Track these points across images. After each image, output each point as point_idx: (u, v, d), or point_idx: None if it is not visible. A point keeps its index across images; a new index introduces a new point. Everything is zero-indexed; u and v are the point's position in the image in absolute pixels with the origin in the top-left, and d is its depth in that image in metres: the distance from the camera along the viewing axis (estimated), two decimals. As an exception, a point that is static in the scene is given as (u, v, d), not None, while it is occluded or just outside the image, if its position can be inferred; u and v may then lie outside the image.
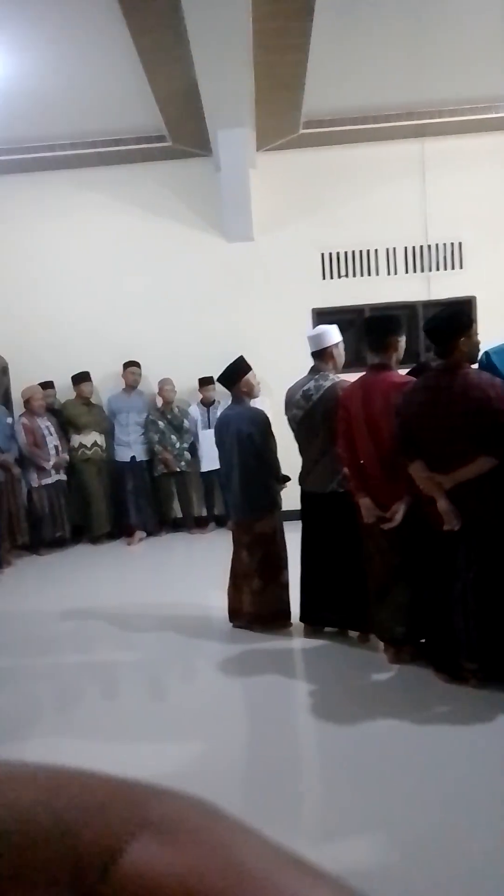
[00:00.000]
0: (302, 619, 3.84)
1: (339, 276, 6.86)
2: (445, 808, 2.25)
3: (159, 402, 6.71)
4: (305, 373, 3.82)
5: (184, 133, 6.07)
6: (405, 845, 2.08)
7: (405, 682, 3.20)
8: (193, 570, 5.53)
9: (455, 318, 3.05)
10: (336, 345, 3.72)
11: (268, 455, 3.86)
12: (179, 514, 6.82)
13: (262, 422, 3.87)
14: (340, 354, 3.76)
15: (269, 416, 6.57)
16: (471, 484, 2.90)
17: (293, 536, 3.85)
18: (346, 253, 6.83)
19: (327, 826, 2.24)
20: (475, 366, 3.13)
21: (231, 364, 3.99)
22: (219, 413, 4.86)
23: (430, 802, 2.28)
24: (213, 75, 4.72)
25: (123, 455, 6.61)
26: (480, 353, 3.17)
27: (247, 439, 3.82)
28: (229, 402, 4.13)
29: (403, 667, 3.31)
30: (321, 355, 3.72)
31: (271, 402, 6.47)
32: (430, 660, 3.23)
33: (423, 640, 3.34)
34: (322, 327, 3.79)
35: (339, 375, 3.70)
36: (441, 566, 3.06)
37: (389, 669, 3.32)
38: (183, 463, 6.64)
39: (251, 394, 4.01)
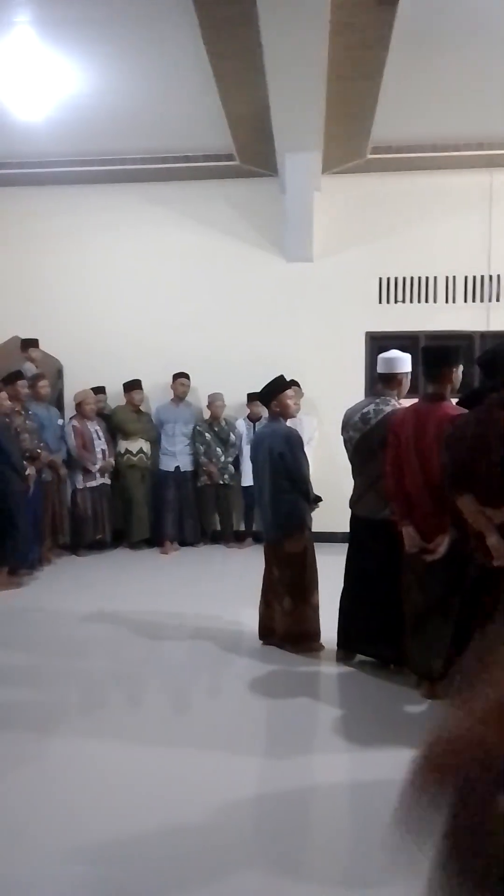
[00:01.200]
0: (338, 644, 3.80)
1: (396, 302, 6.83)
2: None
3: (207, 414, 6.78)
4: (355, 394, 3.80)
5: (252, 154, 6.17)
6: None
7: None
8: (228, 584, 5.54)
9: None
10: (406, 374, 3.69)
11: (298, 475, 3.84)
12: (219, 527, 6.86)
13: (293, 441, 3.85)
14: (407, 384, 3.72)
15: (315, 435, 6.53)
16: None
17: (338, 559, 3.81)
18: (404, 278, 6.81)
19: (342, 857, 2.20)
20: None
21: (270, 382, 4.00)
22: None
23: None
24: (285, 101, 4.80)
25: (168, 464, 6.69)
26: None
27: (278, 458, 3.82)
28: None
29: (439, 703, 3.25)
30: (388, 379, 3.68)
31: (318, 422, 6.49)
32: (464, 698, 3.15)
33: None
34: (396, 352, 3.72)
35: (400, 402, 3.66)
36: (482, 603, 2.99)
37: (422, 704, 3.26)
38: (226, 476, 6.68)
39: (285, 413, 3.97)
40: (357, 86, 4.84)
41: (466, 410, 3.29)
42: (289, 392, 3.97)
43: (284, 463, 3.81)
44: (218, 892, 2.01)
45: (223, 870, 2.11)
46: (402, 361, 3.67)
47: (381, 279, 6.83)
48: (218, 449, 6.66)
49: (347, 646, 3.78)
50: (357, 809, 2.49)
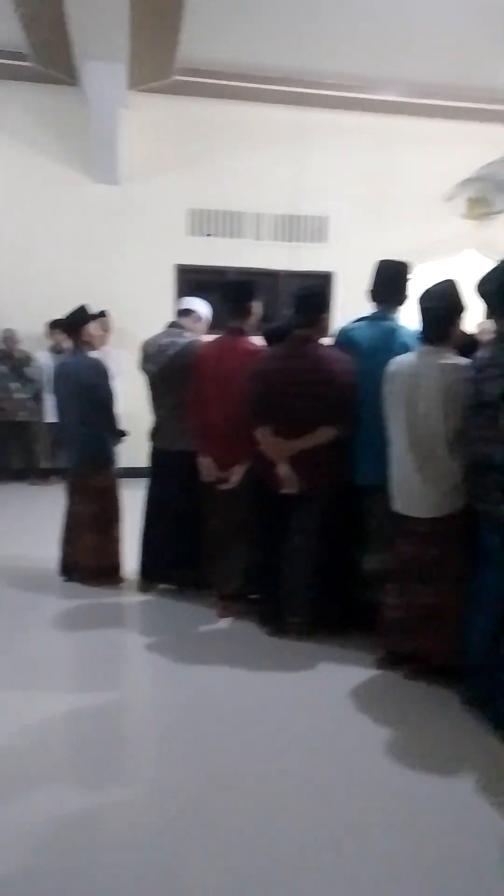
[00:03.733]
0: (141, 574, 3.86)
1: (205, 235, 6.78)
2: (263, 750, 2.40)
3: (1, 346, 6.30)
4: (164, 325, 3.77)
5: (49, 56, 5.61)
6: (227, 785, 2.20)
7: (233, 634, 3.33)
8: (29, 523, 5.33)
9: (323, 293, 3.14)
10: (205, 316, 3.77)
11: (107, 408, 3.76)
12: (21, 465, 6.52)
13: (101, 372, 3.75)
14: (203, 328, 3.78)
15: (124, 367, 6.38)
16: (312, 452, 3.05)
17: (137, 492, 3.83)
18: (214, 212, 6.76)
19: (151, 764, 2.31)
20: (329, 340, 3.25)
21: (73, 310, 3.83)
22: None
23: (248, 744, 2.42)
24: (84, 1, 4.40)
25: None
26: (335, 329, 3.29)
27: (86, 391, 3.70)
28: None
29: (233, 621, 3.45)
30: (187, 314, 3.73)
31: (127, 354, 6.33)
32: (257, 614, 3.39)
33: (254, 596, 3.49)
34: (197, 300, 3.82)
35: (197, 336, 3.70)
36: (277, 527, 3.20)
37: (219, 623, 3.45)
38: (24, 412, 6.32)
39: (92, 344, 3.87)
40: (163, -5, 4.58)
41: (267, 345, 3.42)
42: (94, 323, 3.83)
43: (95, 395, 3.69)
44: (34, 807, 2.06)
45: (37, 788, 2.15)
46: (203, 305, 3.79)
47: (190, 210, 6.72)
48: (13, 384, 6.25)
49: (149, 576, 3.85)
50: (162, 720, 2.61)
